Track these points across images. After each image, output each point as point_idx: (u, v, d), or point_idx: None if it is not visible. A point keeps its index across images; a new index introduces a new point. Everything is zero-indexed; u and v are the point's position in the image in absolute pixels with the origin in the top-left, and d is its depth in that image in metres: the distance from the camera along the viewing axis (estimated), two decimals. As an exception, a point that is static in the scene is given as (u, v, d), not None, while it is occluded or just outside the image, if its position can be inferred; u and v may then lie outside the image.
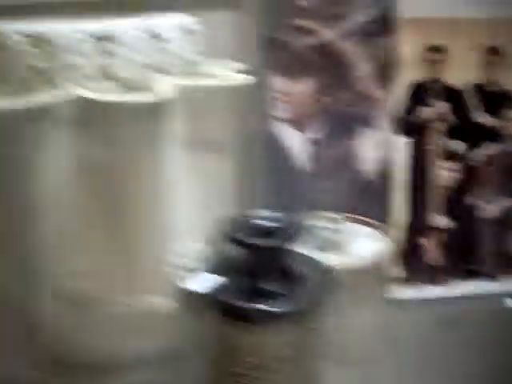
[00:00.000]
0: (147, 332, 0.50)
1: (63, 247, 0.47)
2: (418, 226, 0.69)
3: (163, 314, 0.50)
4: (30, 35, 0.45)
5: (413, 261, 0.70)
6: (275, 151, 0.68)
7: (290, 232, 0.48)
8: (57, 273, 0.47)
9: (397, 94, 0.67)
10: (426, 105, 0.67)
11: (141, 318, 0.49)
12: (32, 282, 0.48)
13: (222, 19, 0.68)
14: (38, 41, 0.45)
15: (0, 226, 0.47)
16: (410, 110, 0.67)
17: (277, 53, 0.66)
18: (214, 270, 0.50)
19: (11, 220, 0.47)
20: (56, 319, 0.49)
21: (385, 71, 0.67)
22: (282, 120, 0.67)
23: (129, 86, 0.45)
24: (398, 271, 0.69)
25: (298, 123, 0.68)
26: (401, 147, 0.67)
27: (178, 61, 0.48)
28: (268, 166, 0.69)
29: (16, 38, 0.45)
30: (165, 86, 0.44)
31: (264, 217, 0.49)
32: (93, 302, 0.48)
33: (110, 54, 0.45)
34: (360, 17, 0.65)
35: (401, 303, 0.67)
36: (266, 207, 0.65)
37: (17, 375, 0.59)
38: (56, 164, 0.44)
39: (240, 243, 0.47)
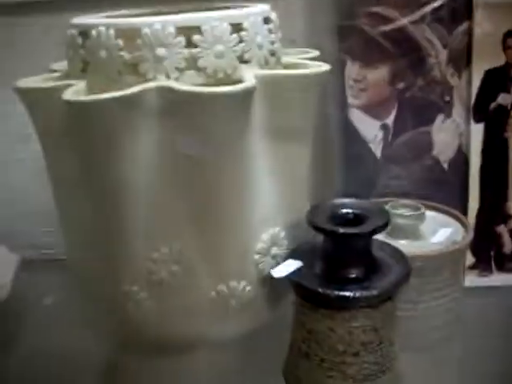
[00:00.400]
0: (231, 315, 0.52)
1: (150, 233, 0.48)
2: (492, 214, 0.68)
3: (247, 299, 0.51)
4: (118, 28, 0.46)
5: (486, 248, 0.69)
6: (351, 138, 0.68)
7: (372, 220, 0.48)
8: (143, 258, 0.49)
9: (473, 81, 0.66)
10: (504, 91, 0.66)
11: (226, 303, 0.51)
12: (117, 265, 0.50)
13: (298, 6, 0.69)
14: (127, 33, 0.46)
15: (89, 210, 0.49)
16: (487, 97, 0.66)
17: (352, 40, 0.66)
18: (297, 256, 0.51)
19: (100, 205, 0.49)
20: (141, 303, 0.50)
21: (461, 57, 0.66)
22: (358, 107, 0.68)
23: (215, 77, 0.46)
24: (471, 258, 0.69)
25: (373, 110, 0.68)
26: (477, 134, 0.67)
27: (259, 50, 0.49)
28: (344, 153, 0.69)
29: (105, 30, 0.46)
30: (249, 76, 0.45)
31: (345, 204, 0.50)
32: (179, 287, 0.50)
33: (196, 45, 0.46)
34: (435, 2, 0.65)
35: (471, 290, 0.66)
36: (344, 194, 0.66)
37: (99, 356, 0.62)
38: (145, 152, 0.45)
39: (322, 230, 0.48)
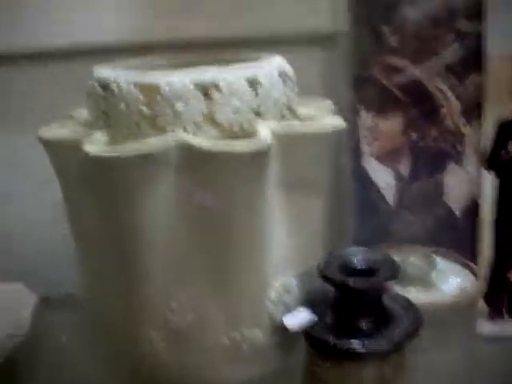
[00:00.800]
0: (243, 361, 0.53)
1: (165, 282, 0.49)
2: (505, 262, 0.69)
3: (259, 345, 0.52)
4: (138, 83, 0.48)
5: (498, 297, 0.70)
6: (364, 185, 0.69)
7: (382, 271, 0.49)
8: (160, 306, 0.50)
9: (485, 131, 0.67)
10: (515, 141, 0.67)
11: (238, 349, 0.52)
12: (135, 312, 0.51)
13: (315, 55, 0.70)
14: (147, 88, 0.48)
15: (108, 258, 0.51)
16: (498, 147, 0.67)
17: (366, 89, 0.67)
18: (307, 306, 0.51)
19: (118, 254, 0.50)
20: (155, 347, 0.51)
21: (473, 107, 0.67)
22: (371, 155, 0.69)
23: (231, 131, 0.48)
24: (483, 307, 0.69)
25: (386, 158, 0.69)
26: (489, 184, 0.67)
27: (274, 104, 0.50)
28: (357, 200, 0.70)
29: (126, 85, 0.48)
30: (266, 132, 0.47)
31: (356, 254, 0.51)
32: (194, 333, 0.51)
33: (214, 101, 0.47)
34: (448, 54, 0.66)
35: (485, 339, 0.66)
36: (357, 243, 0.67)
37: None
38: (162, 203, 0.47)
39: (332, 282, 0.49)
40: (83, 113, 0.57)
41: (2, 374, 0.64)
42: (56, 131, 0.53)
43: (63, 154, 0.52)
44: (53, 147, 0.52)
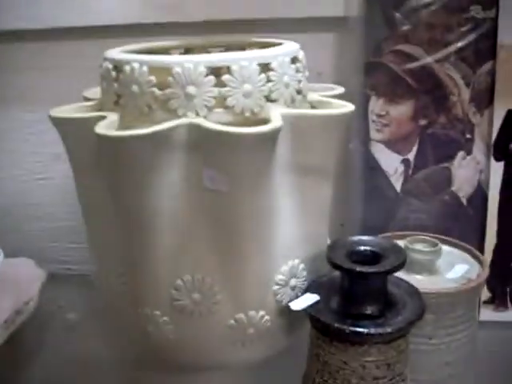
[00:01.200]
0: (248, 343, 0.53)
1: (174, 261, 0.50)
2: (509, 250, 0.69)
3: (264, 328, 0.53)
4: (151, 65, 0.48)
5: (502, 285, 0.70)
6: (372, 171, 0.70)
7: (389, 258, 0.49)
8: (167, 284, 0.51)
9: (495, 119, 0.67)
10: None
11: (244, 331, 0.52)
12: (141, 290, 0.52)
13: (327, 40, 0.70)
14: (159, 71, 0.48)
15: (116, 236, 0.52)
16: (506, 136, 0.67)
17: (377, 76, 0.67)
18: (315, 290, 0.52)
19: (127, 232, 0.51)
20: (160, 327, 0.52)
21: (483, 96, 0.67)
22: (380, 141, 0.69)
23: (242, 115, 0.48)
24: (487, 293, 0.69)
25: (395, 145, 0.69)
26: (497, 172, 0.68)
27: (285, 89, 0.51)
28: (365, 186, 0.71)
29: (138, 67, 0.48)
30: (276, 116, 0.47)
31: (363, 241, 0.51)
32: (199, 314, 0.51)
33: (226, 85, 0.48)
34: (460, 42, 0.66)
35: (487, 325, 0.67)
36: (363, 229, 0.67)
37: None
38: (172, 183, 0.47)
39: (339, 268, 0.49)
40: (95, 93, 0.58)
41: (9, 348, 0.65)
42: (67, 111, 0.54)
43: (74, 134, 0.52)
44: (64, 126, 0.53)
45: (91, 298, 0.70)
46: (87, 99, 0.59)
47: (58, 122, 0.53)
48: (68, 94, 0.59)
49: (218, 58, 0.48)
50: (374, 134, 0.69)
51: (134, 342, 0.58)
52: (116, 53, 0.52)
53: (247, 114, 0.48)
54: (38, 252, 0.77)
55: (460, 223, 0.70)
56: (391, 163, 0.69)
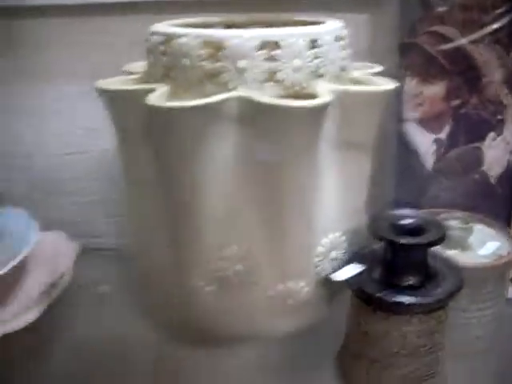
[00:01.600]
0: (287, 314, 0.55)
1: (220, 232, 0.51)
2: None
3: (304, 298, 0.54)
4: (202, 39, 0.49)
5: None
6: (404, 150, 0.71)
7: (430, 232, 0.51)
8: (212, 255, 0.52)
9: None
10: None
11: (283, 302, 0.54)
12: (187, 261, 0.53)
13: (363, 21, 0.71)
14: (210, 45, 0.49)
15: (162, 207, 0.53)
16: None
17: (411, 56, 0.68)
18: (357, 261, 0.53)
19: (174, 203, 0.52)
20: (204, 297, 0.54)
21: (515, 78, 0.68)
22: (413, 120, 0.70)
23: (292, 89, 0.49)
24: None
25: (427, 124, 0.70)
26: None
27: (331, 66, 0.52)
28: (397, 165, 0.72)
29: (189, 40, 0.49)
30: (324, 91, 0.48)
31: (406, 215, 0.53)
32: (241, 285, 0.53)
33: (276, 59, 0.49)
34: (495, 24, 0.67)
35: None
36: (395, 206, 0.68)
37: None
38: (222, 155, 0.48)
39: (383, 239, 0.51)
40: (139, 67, 0.59)
41: (43, 322, 0.65)
42: (114, 83, 0.54)
43: (122, 105, 0.53)
44: (111, 98, 0.54)
45: (124, 272, 0.71)
46: (129, 73, 0.60)
47: (106, 95, 0.53)
48: (97, 68, 0.59)
49: (269, 33, 0.49)
50: (407, 114, 0.70)
51: (173, 314, 0.59)
52: (166, 26, 0.53)
53: (296, 89, 0.49)
54: (70, 226, 0.78)
55: (489, 202, 0.71)
56: (424, 142, 0.70)
